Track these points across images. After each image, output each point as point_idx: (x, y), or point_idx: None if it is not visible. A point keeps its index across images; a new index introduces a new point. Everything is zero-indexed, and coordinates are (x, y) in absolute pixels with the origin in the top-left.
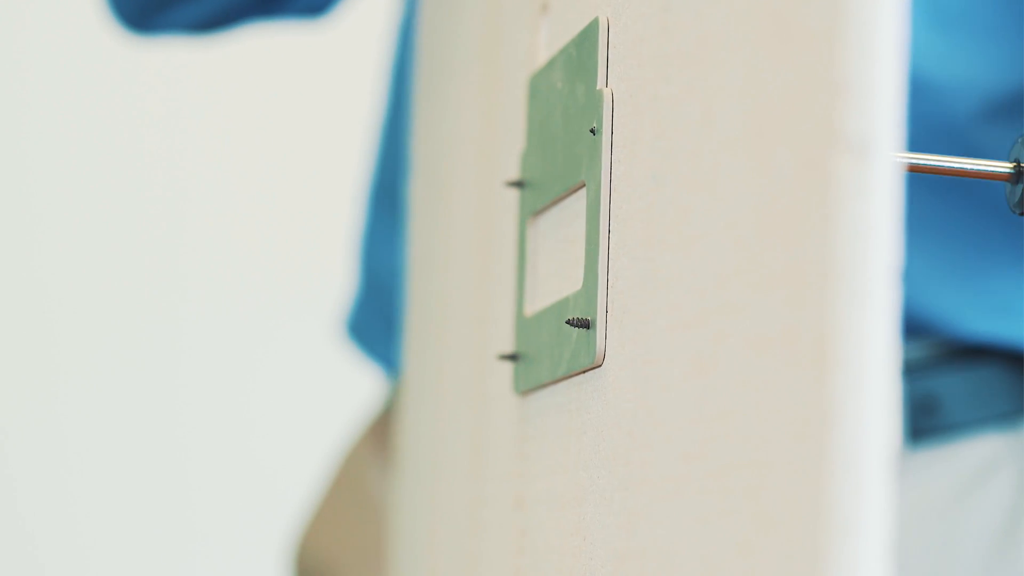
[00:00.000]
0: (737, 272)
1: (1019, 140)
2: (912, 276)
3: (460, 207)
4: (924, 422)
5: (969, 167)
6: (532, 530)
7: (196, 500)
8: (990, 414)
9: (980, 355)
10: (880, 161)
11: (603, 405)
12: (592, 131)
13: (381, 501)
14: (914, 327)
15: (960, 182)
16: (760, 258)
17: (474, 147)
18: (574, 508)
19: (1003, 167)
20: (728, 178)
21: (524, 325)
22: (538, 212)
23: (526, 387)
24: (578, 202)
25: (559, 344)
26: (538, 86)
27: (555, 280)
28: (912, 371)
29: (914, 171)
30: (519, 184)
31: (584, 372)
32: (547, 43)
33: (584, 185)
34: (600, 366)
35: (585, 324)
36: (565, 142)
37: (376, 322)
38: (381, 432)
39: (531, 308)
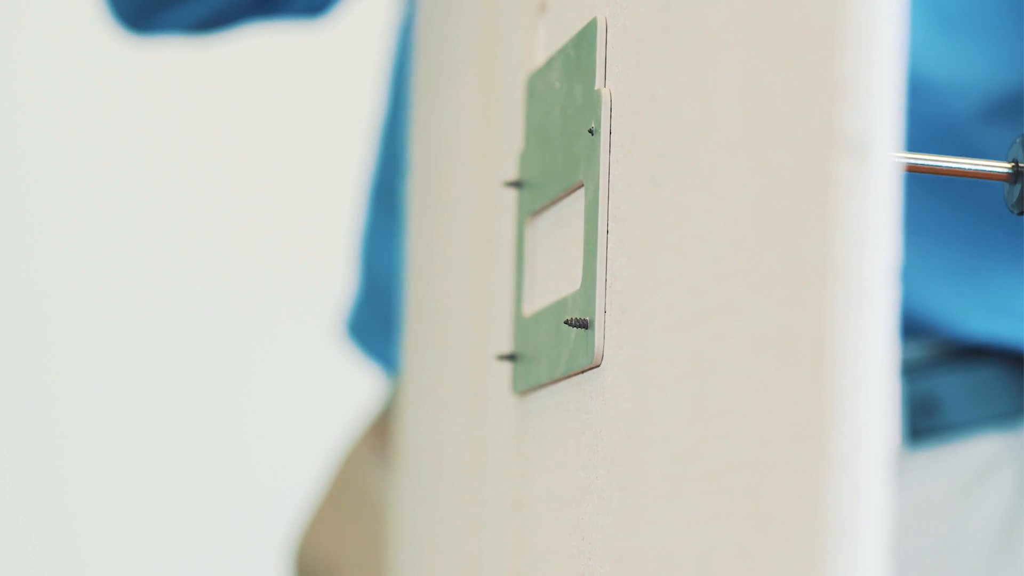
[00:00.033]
0: (735, 272)
1: (1017, 140)
2: (912, 276)
3: (458, 207)
4: (924, 422)
5: (967, 167)
6: (531, 530)
7: (195, 500)
8: (990, 414)
9: (980, 355)
10: (878, 161)
11: (601, 405)
12: (590, 131)
13: (381, 501)
14: (914, 327)
15: (960, 182)
16: (758, 258)
17: (472, 147)
18: (573, 508)
19: (1001, 167)
20: (726, 178)
21: (522, 325)
22: (536, 212)
23: (525, 387)
24: (576, 202)
25: (557, 344)
26: (536, 86)
27: (553, 280)
28: (912, 371)
29: (912, 171)
30: (517, 184)
31: (582, 372)
32: (545, 43)
33: (582, 185)
34: (598, 366)
35: (583, 324)
36: (563, 142)
37: (376, 322)
38: (381, 432)
39: (529, 308)
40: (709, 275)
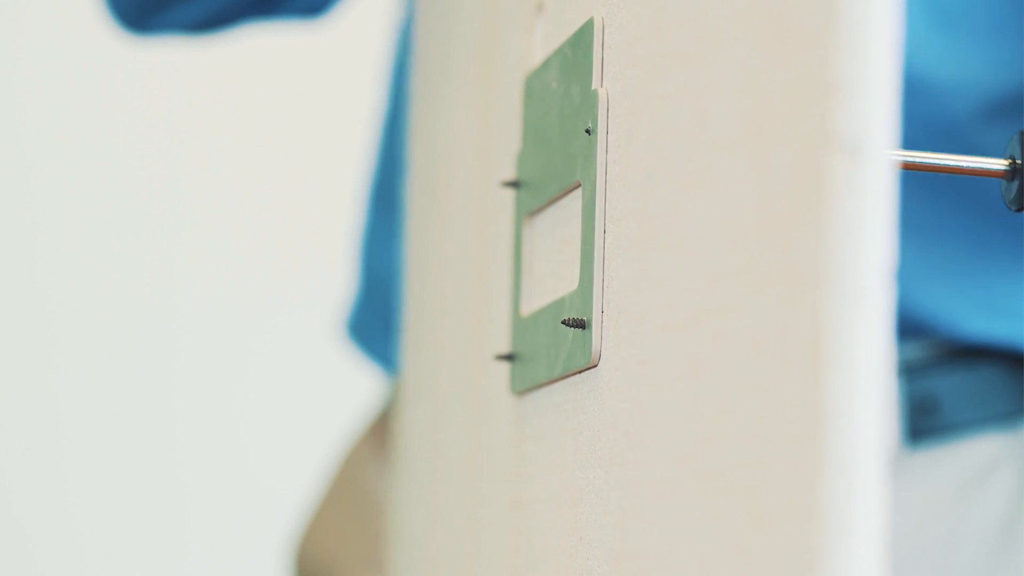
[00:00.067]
0: (732, 272)
1: (1014, 137)
2: (912, 276)
3: (456, 207)
4: (924, 422)
5: (964, 164)
6: (529, 530)
7: (195, 500)
8: (990, 414)
9: (980, 355)
10: (873, 161)
11: (599, 405)
12: (587, 131)
13: (381, 501)
14: (914, 327)
15: (959, 182)
16: (755, 258)
17: (470, 147)
18: (570, 508)
19: (998, 164)
20: (723, 178)
21: (520, 325)
22: (534, 212)
23: (522, 387)
24: (574, 202)
25: (555, 344)
26: (533, 86)
27: (551, 280)
28: (912, 371)
29: (909, 169)
30: (515, 184)
31: (580, 372)
32: (542, 43)
33: (579, 185)
34: (596, 366)
35: (581, 324)
36: (560, 142)
37: (376, 322)
38: (381, 432)
39: (527, 308)
40: (705, 275)
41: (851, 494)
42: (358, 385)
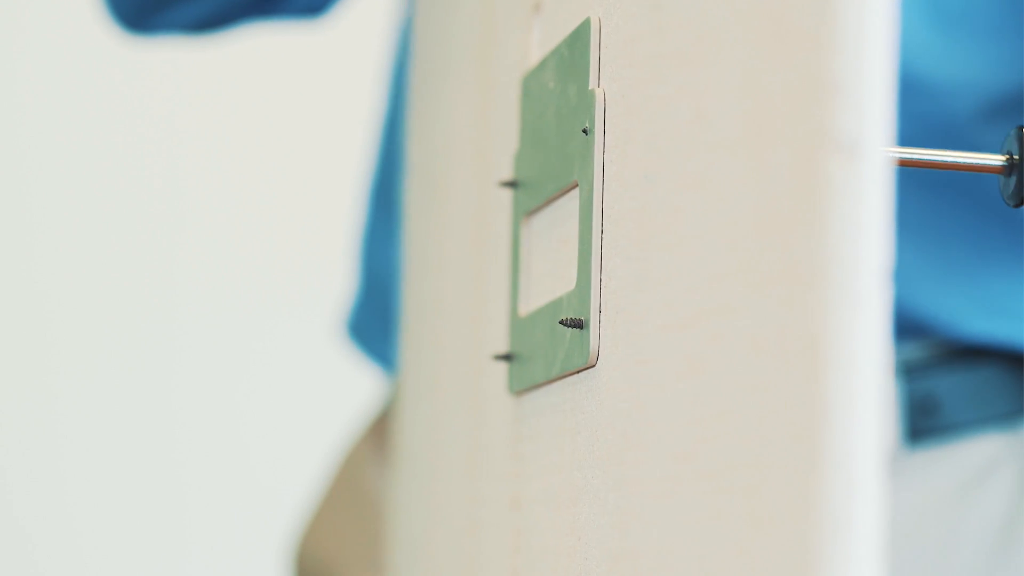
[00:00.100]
0: (729, 271)
1: (1011, 133)
2: (912, 276)
3: (455, 207)
4: (924, 422)
5: (962, 161)
6: (528, 530)
7: (195, 500)
8: (990, 414)
9: (980, 355)
10: (870, 160)
11: (597, 405)
12: (584, 131)
13: (381, 501)
14: (914, 327)
15: (959, 182)
16: (752, 258)
17: (468, 147)
18: (569, 508)
19: (995, 160)
20: (720, 178)
21: (518, 325)
22: (532, 212)
23: (520, 387)
24: (571, 202)
25: (553, 344)
26: (530, 86)
27: (549, 280)
28: (912, 371)
29: (906, 165)
30: (512, 184)
31: (578, 372)
32: (540, 43)
33: (577, 185)
34: (594, 366)
35: (578, 324)
36: (558, 142)
37: (376, 322)
38: (381, 432)
39: (525, 308)
40: (703, 275)
41: (850, 494)
42: (358, 385)
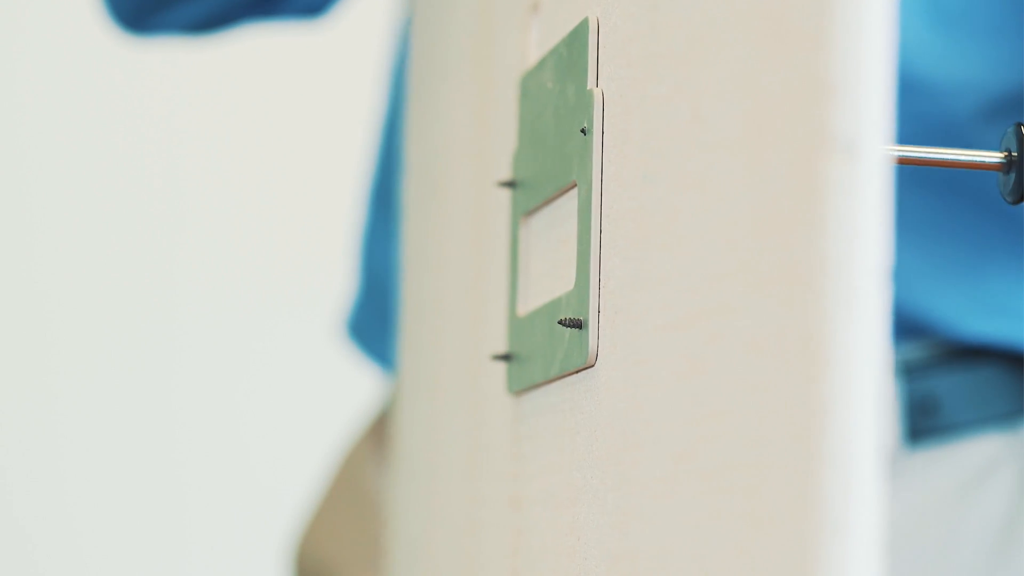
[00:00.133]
0: (728, 271)
1: (1010, 130)
2: (912, 276)
3: (453, 207)
4: (924, 422)
5: (960, 158)
6: (527, 530)
7: (195, 500)
8: (990, 414)
9: (980, 355)
10: (868, 160)
11: (595, 405)
12: (583, 131)
13: (381, 501)
14: (914, 327)
15: (959, 182)
16: (751, 257)
17: (467, 147)
18: (568, 508)
19: (994, 157)
20: (718, 178)
21: (517, 325)
22: (530, 212)
23: (519, 387)
24: (570, 202)
25: (552, 344)
26: (529, 86)
27: (547, 280)
28: (912, 371)
29: (905, 163)
30: (511, 184)
31: (577, 372)
32: (538, 43)
33: (575, 185)
34: (592, 366)
35: (577, 324)
36: (556, 142)
37: (376, 322)
38: (381, 432)
39: (524, 308)
40: (702, 275)
41: (848, 493)
42: (358, 385)
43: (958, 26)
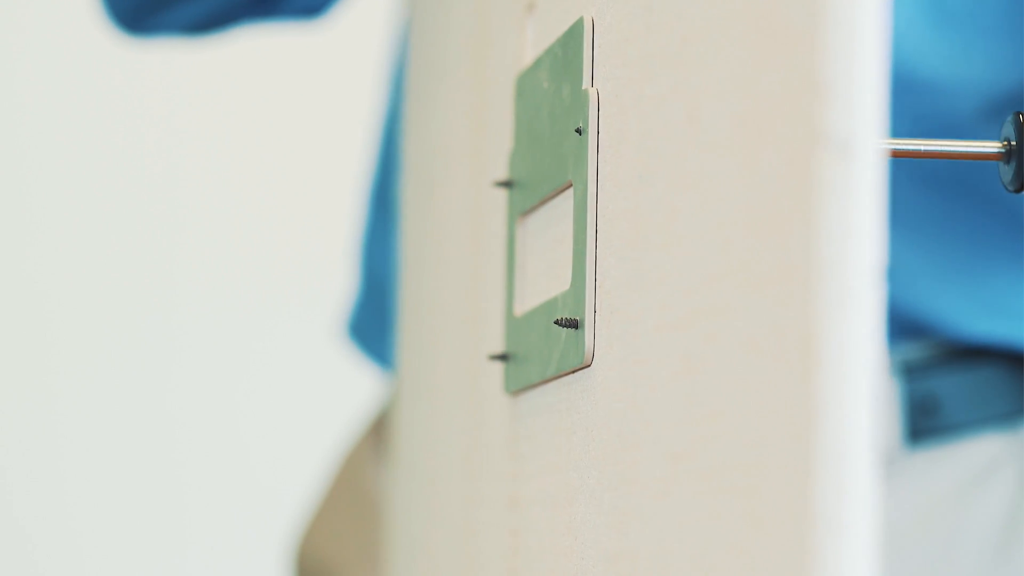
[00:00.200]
0: (724, 271)
1: (1009, 119)
2: (912, 276)
3: (451, 207)
4: (924, 422)
5: (959, 149)
6: (525, 530)
7: (195, 500)
8: (990, 414)
9: (980, 355)
10: (862, 159)
11: (592, 405)
12: (578, 131)
13: (381, 501)
14: (914, 327)
15: (959, 182)
16: (746, 257)
17: (464, 147)
18: (565, 508)
19: (993, 147)
20: (713, 177)
21: (514, 325)
22: (527, 212)
23: (516, 387)
24: (566, 202)
25: (548, 344)
26: (524, 86)
27: (544, 280)
28: (912, 371)
29: (905, 156)
30: (508, 184)
31: (573, 372)
32: (533, 42)
33: (571, 185)
34: (589, 366)
35: (573, 324)
36: (552, 142)
37: (376, 322)
38: (381, 432)
39: (521, 308)
40: (697, 274)
41: (843, 493)
42: (358, 385)
43: (961, 26)
